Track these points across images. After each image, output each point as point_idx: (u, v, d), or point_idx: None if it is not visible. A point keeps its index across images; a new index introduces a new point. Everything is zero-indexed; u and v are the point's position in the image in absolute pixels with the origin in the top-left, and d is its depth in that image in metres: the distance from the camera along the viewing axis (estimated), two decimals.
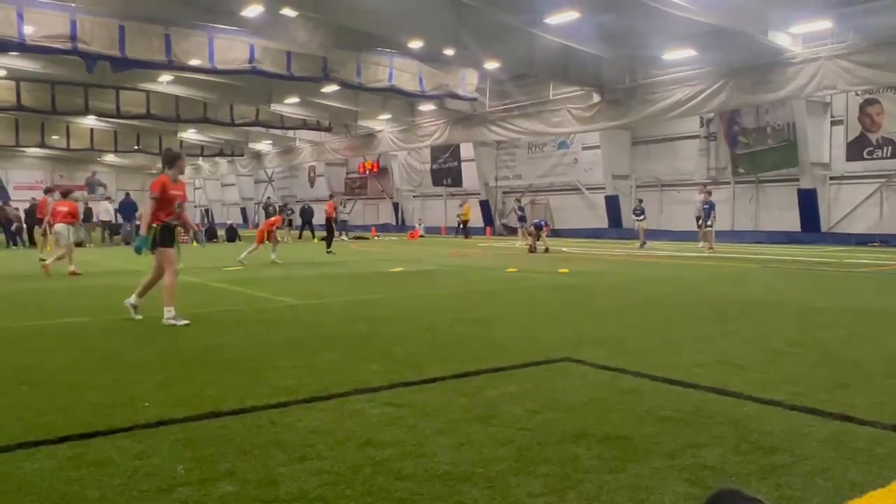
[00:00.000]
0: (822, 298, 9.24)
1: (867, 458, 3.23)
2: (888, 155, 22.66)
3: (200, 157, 54.54)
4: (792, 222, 24.67)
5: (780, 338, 6.34)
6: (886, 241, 21.64)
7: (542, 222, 22.26)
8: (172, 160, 7.67)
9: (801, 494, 2.84)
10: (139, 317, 7.61)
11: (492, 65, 26.55)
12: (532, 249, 20.56)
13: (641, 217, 24.16)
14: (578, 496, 2.83)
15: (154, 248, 7.39)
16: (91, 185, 55.20)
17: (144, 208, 7.31)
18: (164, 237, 7.41)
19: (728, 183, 26.68)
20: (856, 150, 23.46)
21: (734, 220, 26.46)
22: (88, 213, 29.21)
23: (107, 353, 5.86)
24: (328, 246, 20.82)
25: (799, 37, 21.12)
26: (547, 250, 20.32)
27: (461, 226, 34.80)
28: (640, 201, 25.37)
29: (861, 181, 23.40)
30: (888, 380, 4.75)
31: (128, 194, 32.13)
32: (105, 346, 6.24)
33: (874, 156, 23.01)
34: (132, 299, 7.70)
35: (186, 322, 7.20)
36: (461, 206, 34.99)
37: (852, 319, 7.51)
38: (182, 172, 7.78)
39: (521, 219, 28.63)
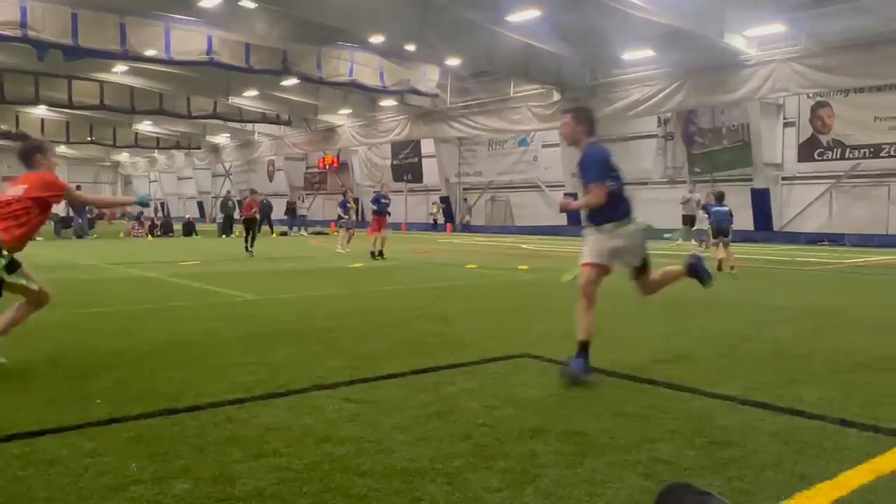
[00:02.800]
0: (775, 296, 9.46)
1: (815, 452, 3.32)
2: (838, 157, 23.29)
3: (156, 150, 53.50)
4: (745, 221, 25.18)
5: (734, 334, 6.47)
6: (835, 240, 22.25)
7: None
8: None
9: (753, 487, 2.91)
10: None
11: (453, 61, 26.56)
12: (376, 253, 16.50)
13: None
14: (536, 491, 2.85)
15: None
16: None
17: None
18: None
19: (685, 182, 27.11)
20: (807, 151, 24.06)
21: None
22: None
23: (59, 349, 5.71)
24: (250, 245, 17.90)
25: (754, 40, 21.59)
26: (380, 254, 16.35)
27: (435, 222, 35.26)
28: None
29: (812, 182, 24.01)
30: (836, 375, 4.89)
31: (79, 187, 31.33)
32: (58, 341, 6.08)
33: (824, 157, 23.63)
34: None
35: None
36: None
37: (803, 317, 7.70)
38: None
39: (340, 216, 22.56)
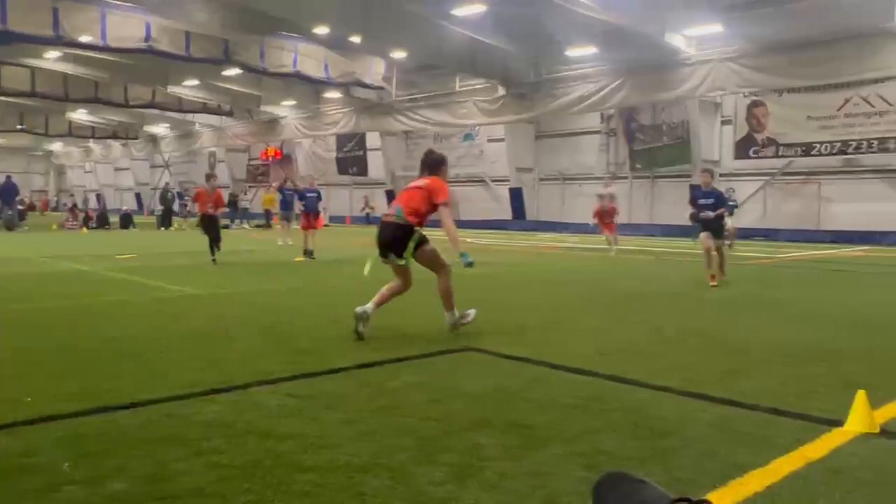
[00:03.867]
0: (714, 290, 9.72)
1: (750, 441, 3.43)
2: (772, 154, 24.05)
3: (91, 140, 51.80)
4: (684, 216, 25.80)
5: (674, 327, 6.63)
6: (769, 235, 22.99)
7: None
8: None
9: (691, 476, 2.98)
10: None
11: (399, 54, 26.43)
12: (306, 252, 14.86)
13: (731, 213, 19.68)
14: (480, 484, 2.87)
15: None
16: None
17: None
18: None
19: (626, 178, 27.62)
20: (743, 148, 24.77)
21: (631, 213, 27.44)
22: None
23: None
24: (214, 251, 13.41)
25: (693, 39, 22.11)
26: (309, 253, 14.78)
27: (368, 216, 34.79)
28: (733, 191, 20.88)
29: (747, 178, 24.73)
30: (770, 366, 5.05)
31: (9, 177, 30.09)
32: None
33: (759, 155, 24.37)
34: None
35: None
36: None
37: (740, 310, 7.94)
38: None
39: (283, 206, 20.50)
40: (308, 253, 14.80)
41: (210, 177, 14.26)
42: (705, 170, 11.66)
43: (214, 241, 13.30)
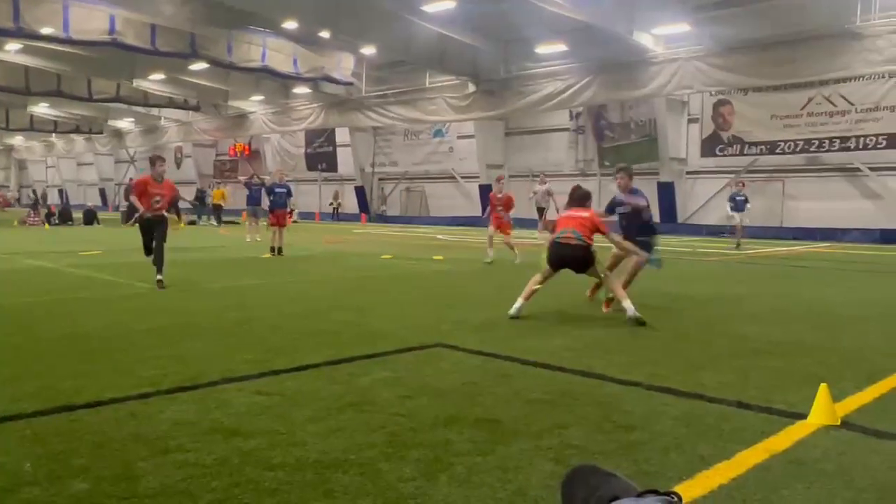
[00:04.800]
0: (679, 285, 9.83)
1: (715, 434, 3.48)
2: (737, 152, 24.42)
3: (54, 134, 50.77)
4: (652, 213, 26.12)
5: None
6: (734, 232, 23.33)
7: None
8: None
9: (657, 469, 3.02)
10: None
11: (369, 50, 26.31)
12: (274, 249, 14.28)
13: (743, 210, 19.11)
14: (449, 479, 2.87)
15: None
16: None
17: None
18: None
19: (595, 175, 27.83)
20: (709, 146, 25.12)
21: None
22: None
23: None
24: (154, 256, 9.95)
25: (661, 38, 22.35)
26: (278, 251, 14.26)
27: (335, 212, 34.65)
28: (742, 185, 20.52)
29: (713, 176, 25.09)
30: (734, 360, 5.13)
31: None
32: None
33: (725, 152, 24.73)
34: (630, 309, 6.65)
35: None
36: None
37: (705, 305, 8.06)
38: None
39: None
40: (276, 250, 14.38)
41: (155, 160, 9.71)
42: (621, 168, 8.63)
43: (156, 253, 9.30)
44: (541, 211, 22.39)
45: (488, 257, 12.93)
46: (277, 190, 15.46)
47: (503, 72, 26.71)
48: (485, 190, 30.72)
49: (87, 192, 55.66)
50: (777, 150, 23.35)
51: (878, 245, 19.47)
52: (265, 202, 17.12)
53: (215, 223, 30.58)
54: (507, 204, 13.76)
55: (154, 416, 3.64)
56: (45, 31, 20.70)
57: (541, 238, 19.66)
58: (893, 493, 2.83)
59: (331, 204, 36.23)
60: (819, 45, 19.23)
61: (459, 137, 32.12)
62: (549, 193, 21.19)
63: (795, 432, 3.52)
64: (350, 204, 36.33)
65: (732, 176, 24.57)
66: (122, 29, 21.70)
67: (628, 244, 7.63)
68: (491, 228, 13.65)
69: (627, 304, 6.71)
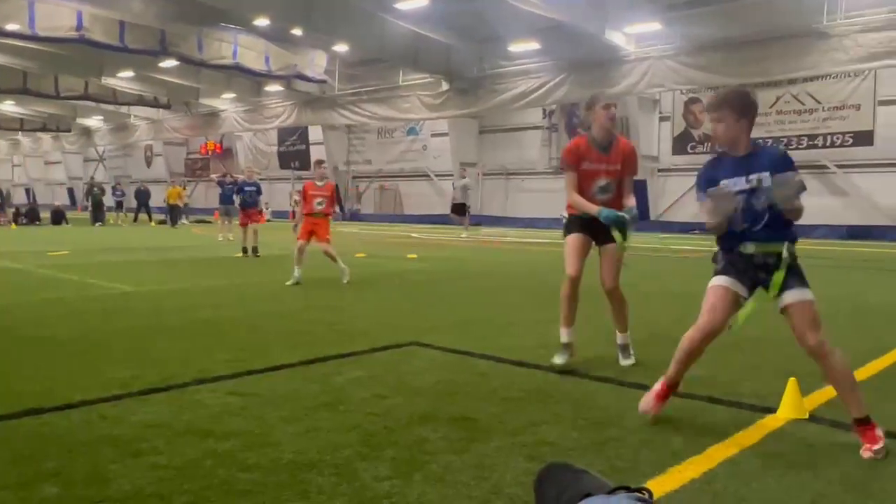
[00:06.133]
0: (653, 282, 9.93)
1: (686, 429, 3.53)
2: (708, 150, 24.65)
3: (20, 132, 49.85)
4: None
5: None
6: (704, 229, 23.64)
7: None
8: None
9: (630, 465, 3.05)
10: None
11: (341, 47, 26.23)
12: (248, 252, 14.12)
13: None
14: (424, 477, 2.87)
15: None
16: None
17: None
18: None
19: None
20: (681, 144, 25.41)
21: None
22: None
23: None
24: None
25: (633, 37, 22.56)
26: (253, 251, 14.08)
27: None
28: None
29: (684, 173, 25.33)
30: (704, 355, 5.18)
31: None
32: None
33: (696, 150, 25.02)
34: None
35: None
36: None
37: (678, 301, 8.14)
38: None
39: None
40: (250, 250, 14.10)
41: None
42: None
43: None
44: (460, 207, 22.20)
45: (294, 277, 9.62)
46: (247, 188, 15.15)
47: (477, 70, 26.77)
48: None
49: (55, 192, 54.76)
50: None
51: (845, 241, 19.83)
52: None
53: (169, 224, 28.88)
54: (331, 197, 10.46)
55: (125, 418, 3.60)
56: (11, 27, 20.36)
57: (466, 237, 19.57)
58: (860, 484, 2.89)
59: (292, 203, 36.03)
60: (787, 45, 19.54)
61: (433, 135, 32.12)
62: (465, 188, 20.94)
63: (765, 426, 3.58)
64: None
65: None
66: (89, 25, 21.39)
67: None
68: (301, 242, 9.89)
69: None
